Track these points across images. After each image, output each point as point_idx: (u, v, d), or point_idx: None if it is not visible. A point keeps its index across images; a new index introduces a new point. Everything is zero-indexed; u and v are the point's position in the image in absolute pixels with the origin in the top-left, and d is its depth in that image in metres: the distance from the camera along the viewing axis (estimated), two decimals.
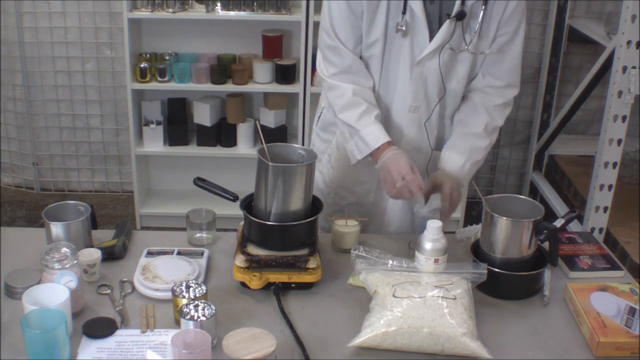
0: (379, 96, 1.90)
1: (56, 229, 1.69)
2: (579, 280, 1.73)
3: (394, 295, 1.48)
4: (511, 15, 1.80)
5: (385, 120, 1.90)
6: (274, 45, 3.56)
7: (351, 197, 2.04)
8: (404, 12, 1.75)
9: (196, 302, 1.43)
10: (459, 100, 1.92)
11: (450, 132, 1.95)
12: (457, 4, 1.75)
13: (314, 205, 1.69)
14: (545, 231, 1.66)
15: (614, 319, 1.52)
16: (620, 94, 2.75)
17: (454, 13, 1.74)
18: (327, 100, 1.97)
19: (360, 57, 1.87)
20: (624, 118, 2.79)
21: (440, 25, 1.77)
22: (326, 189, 2.07)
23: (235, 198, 1.72)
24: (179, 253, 1.75)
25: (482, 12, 1.76)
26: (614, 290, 1.62)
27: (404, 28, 1.76)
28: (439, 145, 1.96)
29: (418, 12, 1.74)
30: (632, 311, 1.54)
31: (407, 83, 1.84)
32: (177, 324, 1.50)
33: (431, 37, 1.78)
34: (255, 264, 1.61)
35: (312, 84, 3.53)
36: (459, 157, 1.87)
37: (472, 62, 1.84)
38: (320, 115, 2.08)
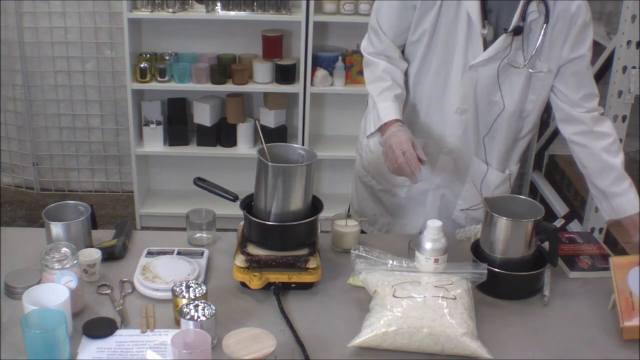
0: (430, 93, 1.89)
1: (56, 229, 1.69)
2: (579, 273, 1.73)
3: (394, 295, 1.48)
4: (577, 38, 1.80)
5: (430, 118, 1.90)
6: (274, 45, 3.56)
7: (386, 184, 2.05)
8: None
9: (196, 302, 1.43)
10: (514, 120, 1.89)
11: (502, 148, 1.94)
12: (516, 18, 1.72)
13: (314, 205, 1.69)
14: (545, 231, 1.66)
15: None
16: (620, 94, 2.75)
17: (511, 28, 1.73)
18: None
19: (404, 50, 1.89)
20: (624, 118, 2.79)
21: (496, 37, 1.76)
22: (363, 171, 2.09)
23: (235, 198, 1.72)
24: (179, 253, 1.75)
25: (542, 30, 1.73)
26: None
27: (485, 32, 1.75)
28: (501, 164, 1.96)
29: (474, 19, 1.74)
30: None
31: (458, 85, 1.83)
32: (177, 324, 1.50)
33: (485, 47, 1.77)
34: (255, 264, 1.61)
35: (312, 84, 3.53)
36: (629, 197, 1.82)
37: (527, 78, 1.82)
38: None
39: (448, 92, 1.86)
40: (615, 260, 1.63)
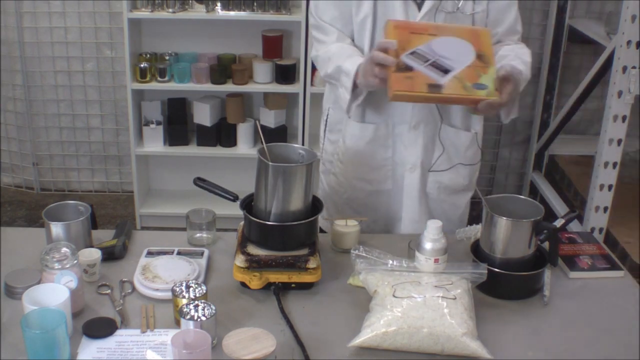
0: None
1: (56, 229, 1.69)
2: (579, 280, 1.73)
3: (394, 295, 1.48)
4: None
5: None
6: (274, 45, 3.56)
7: (369, 187, 2.04)
8: None
9: (196, 302, 1.43)
10: None
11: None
12: None
13: (314, 205, 1.69)
14: (545, 231, 1.66)
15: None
16: (620, 94, 2.75)
17: None
18: (331, 99, 2.00)
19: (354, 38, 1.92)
20: (624, 118, 2.79)
21: None
22: (341, 188, 2.07)
23: (235, 198, 1.72)
24: (179, 253, 1.75)
25: None
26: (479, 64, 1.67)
27: None
28: (449, 119, 1.96)
29: None
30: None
31: None
32: (177, 324, 1.50)
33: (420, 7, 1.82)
34: (255, 264, 1.61)
35: (312, 84, 3.53)
36: (512, 60, 1.83)
37: (470, 23, 1.85)
38: (327, 118, 2.09)
39: None
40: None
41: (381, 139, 1.97)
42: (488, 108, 1.71)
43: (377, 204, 2.06)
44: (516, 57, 1.85)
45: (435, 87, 1.66)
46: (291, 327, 1.51)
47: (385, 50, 1.68)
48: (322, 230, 1.98)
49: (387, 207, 2.07)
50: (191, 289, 1.49)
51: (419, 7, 1.83)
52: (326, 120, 2.09)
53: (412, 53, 1.68)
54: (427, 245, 1.54)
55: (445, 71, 1.68)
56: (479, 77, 1.69)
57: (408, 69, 1.66)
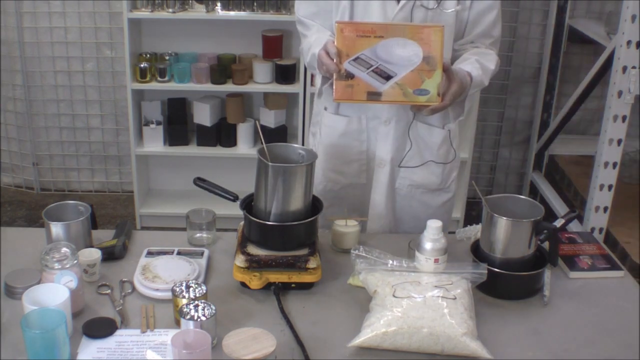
0: None
1: (56, 229, 1.69)
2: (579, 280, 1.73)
3: (394, 295, 1.48)
4: None
5: None
6: (274, 45, 3.56)
7: (343, 180, 2.06)
8: None
9: (196, 302, 1.43)
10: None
11: None
12: None
13: (314, 205, 1.69)
14: (545, 231, 1.66)
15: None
16: (620, 94, 2.75)
17: None
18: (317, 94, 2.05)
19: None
20: (624, 118, 2.79)
21: None
22: (316, 180, 2.07)
23: (235, 198, 1.72)
24: (179, 253, 1.75)
25: None
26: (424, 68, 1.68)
27: None
28: (422, 115, 1.93)
29: None
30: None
31: None
32: (177, 324, 1.50)
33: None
34: (255, 264, 1.61)
35: (312, 84, 3.53)
36: (469, 64, 1.85)
37: (453, 21, 1.85)
38: (312, 110, 2.13)
39: None
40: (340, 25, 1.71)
41: (355, 133, 1.99)
42: (431, 112, 1.76)
43: (352, 197, 2.07)
44: (476, 61, 1.85)
45: (374, 94, 1.70)
46: (291, 327, 1.51)
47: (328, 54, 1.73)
48: None
49: (361, 201, 2.07)
50: (191, 289, 1.49)
51: (399, 0, 1.83)
52: (311, 113, 2.12)
53: (356, 59, 1.70)
54: (427, 245, 1.54)
55: (387, 77, 1.70)
56: (422, 82, 1.71)
57: (350, 76, 1.70)
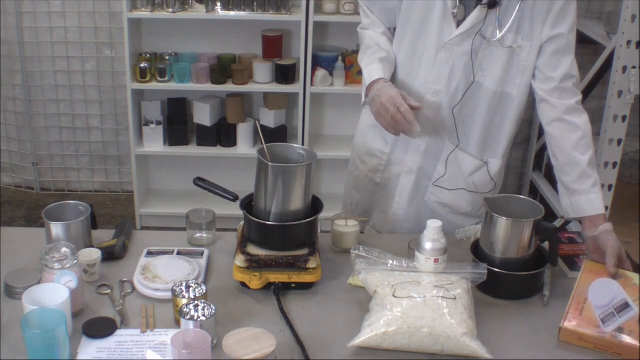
0: (404, 73, 1.91)
1: (56, 229, 1.69)
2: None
3: (394, 295, 1.48)
4: (559, 15, 1.74)
5: None
6: (274, 45, 3.56)
7: (363, 168, 2.08)
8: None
9: (196, 302, 1.43)
10: (495, 102, 1.87)
11: (481, 133, 1.90)
12: None
13: (314, 205, 1.69)
14: (545, 231, 1.66)
15: (596, 310, 1.52)
16: (620, 94, 2.75)
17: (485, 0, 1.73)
18: None
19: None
20: (624, 118, 2.79)
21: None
22: (354, 155, 2.13)
23: (235, 198, 1.72)
24: (179, 253, 1.75)
25: (518, 4, 1.73)
26: (625, 282, 1.59)
27: (455, 11, 1.77)
28: (464, 143, 1.91)
29: None
30: (622, 308, 1.52)
31: (431, 65, 1.84)
32: (177, 324, 1.50)
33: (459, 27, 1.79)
34: (255, 264, 1.61)
35: (312, 84, 3.53)
36: (589, 196, 1.75)
37: (508, 57, 1.80)
38: None
39: (421, 73, 1.87)
40: (587, 265, 1.65)
41: (382, 130, 1.90)
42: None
43: (364, 191, 2.09)
44: (598, 190, 1.75)
45: None
46: (291, 327, 1.51)
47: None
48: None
49: (370, 200, 2.09)
50: (191, 289, 1.49)
51: (458, 24, 1.78)
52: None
53: None
54: (427, 245, 1.54)
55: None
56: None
57: None
